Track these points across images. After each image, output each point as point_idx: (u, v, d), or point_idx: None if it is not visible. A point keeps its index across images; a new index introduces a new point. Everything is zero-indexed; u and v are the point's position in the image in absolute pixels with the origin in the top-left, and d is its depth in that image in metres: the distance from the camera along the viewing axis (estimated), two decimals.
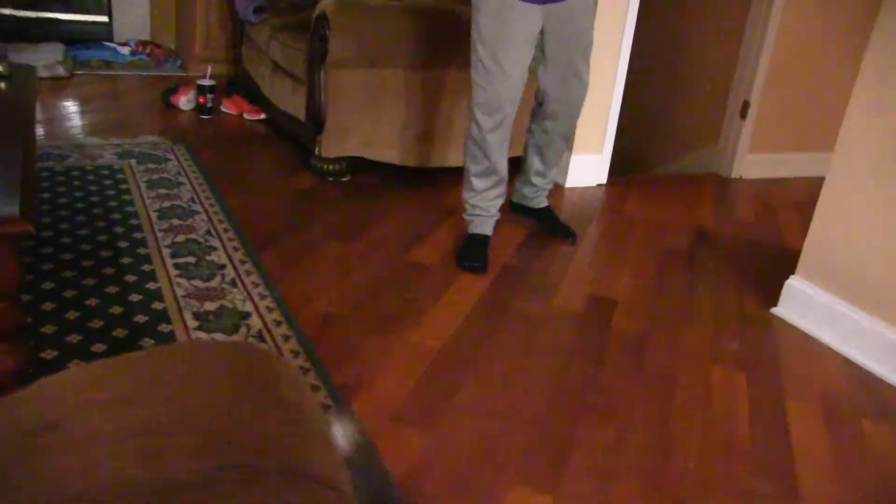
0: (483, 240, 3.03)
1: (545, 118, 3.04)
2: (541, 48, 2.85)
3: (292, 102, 3.87)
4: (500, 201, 3.04)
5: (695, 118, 4.87)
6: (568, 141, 3.18)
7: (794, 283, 2.86)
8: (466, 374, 2.25)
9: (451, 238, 3.13)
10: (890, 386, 2.52)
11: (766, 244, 3.61)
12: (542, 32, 2.80)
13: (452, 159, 3.77)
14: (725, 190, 4.40)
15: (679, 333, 2.65)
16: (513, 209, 3.36)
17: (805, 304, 2.80)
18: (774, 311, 2.89)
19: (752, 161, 4.60)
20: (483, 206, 3.01)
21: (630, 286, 2.95)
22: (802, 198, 4.26)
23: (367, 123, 3.56)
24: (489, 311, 2.62)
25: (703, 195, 4.23)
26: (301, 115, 3.71)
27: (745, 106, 4.48)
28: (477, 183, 2.96)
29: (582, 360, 2.41)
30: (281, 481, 0.84)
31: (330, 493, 0.88)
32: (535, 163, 3.19)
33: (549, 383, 2.26)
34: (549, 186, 3.31)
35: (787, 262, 3.00)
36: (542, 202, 3.33)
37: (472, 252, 2.95)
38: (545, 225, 3.34)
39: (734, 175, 4.59)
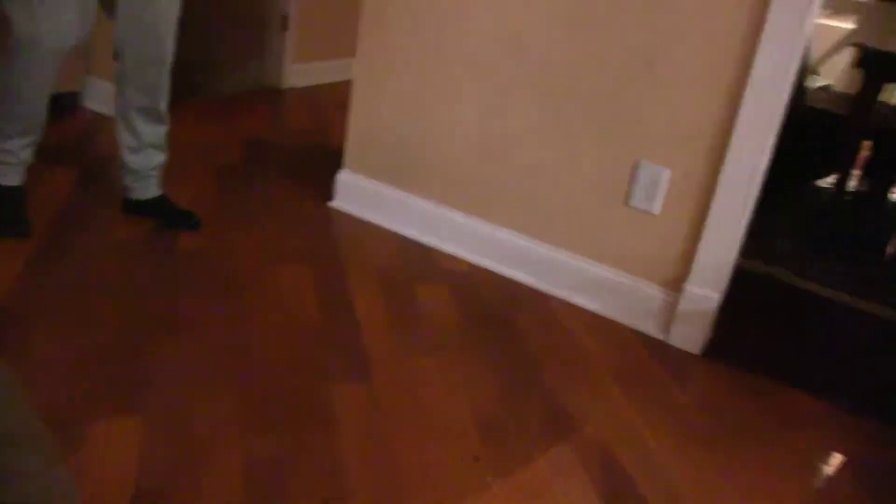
0: (11, 193, 2.63)
1: (127, 83, 2.64)
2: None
3: None
4: (31, 145, 2.60)
5: (239, 36, 4.94)
6: (158, 109, 2.72)
7: (343, 177, 3.12)
8: (35, 319, 2.18)
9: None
10: (438, 252, 2.89)
11: (318, 146, 3.85)
12: None
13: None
14: (276, 101, 4.57)
15: (243, 241, 2.78)
16: (127, 210, 2.86)
17: (356, 193, 3.08)
18: (331, 204, 3.14)
19: (299, 70, 4.83)
20: (14, 151, 2.58)
21: (192, 208, 2.98)
22: (346, 100, 4.56)
23: None
24: (50, 256, 2.52)
25: (254, 109, 4.37)
26: None
27: (285, 19, 4.66)
28: (4, 129, 2.55)
29: (152, 285, 2.44)
30: None
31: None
32: (128, 139, 2.75)
33: (123, 313, 2.27)
34: (156, 172, 2.83)
35: (337, 161, 3.23)
36: (151, 191, 2.85)
37: (6, 214, 2.59)
38: (162, 219, 2.83)
39: (284, 86, 4.78)
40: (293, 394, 2.02)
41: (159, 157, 2.81)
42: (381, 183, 3.02)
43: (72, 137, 3.48)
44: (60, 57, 2.45)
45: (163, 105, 2.71)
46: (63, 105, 3.80)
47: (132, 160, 2.76)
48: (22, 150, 2.59)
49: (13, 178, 2.62)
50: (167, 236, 2.75)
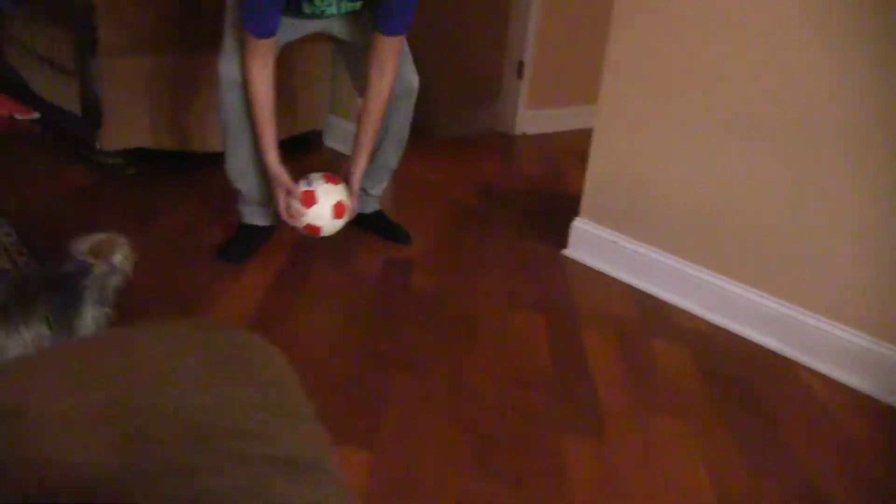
0: (250, 231, 2.89)
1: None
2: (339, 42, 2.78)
3: (65, 97, 3.68)
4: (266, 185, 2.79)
5: (475, 80, 5.02)
6: (401, 137, 2.97)
7: (578, 225, 3.04)
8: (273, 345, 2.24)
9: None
10: (674, 307, 2.75)
11: (552, 193, 3.80)
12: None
13: None
14: (509, 146, 4.59)
15: (476, 284, 2.77)
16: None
17: (591, 242, 3.00)
18: (564, 252, 3.07)
19: (533, 117, 4.83)
20: (246, 190, 2.83)
21: (424, 246, 3.03)
22: (581, 148, 4.50)
23: (146, 112, 3.45)
24: (289, 285, 2.62)
25: (488, 153, 4.40)
26: (76, 110, 3.55)
27: (521, 66, 4.68)
28: (232, 163, 2.77)
29: (385, 320, 2.47)
30: (264, 465, 0.80)
31: (317, 474, 0.85)
32: None
33: (355, 345, 2.31)
34: (378, 192, 3.10)
35: (571, 208, 3.17)
36: (371, 206, 3.12)
37: (232, 243, 2.83)
38: (377, 231, 3.10)
39: (517, 132, 4.79)
40: (522, 442, 1.95)
41: (386, 181, 3.07)
42: (618, 233, 2.92)
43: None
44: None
45: (408, 130, 2.96)
46: (309, 143, 3.98)
47: (366, 182, 2.95)
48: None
49: (265, 219, 2.90)
50: (401, 272, 2.78)
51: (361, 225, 3.07)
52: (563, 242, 3.11)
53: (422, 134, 4.54)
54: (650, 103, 2.75)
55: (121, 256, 2.03)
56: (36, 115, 4.21)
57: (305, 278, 2.68)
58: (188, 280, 2.60)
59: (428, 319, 2.50)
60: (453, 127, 4.81)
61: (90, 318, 1.98)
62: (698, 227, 2.70)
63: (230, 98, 2.60)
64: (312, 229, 2.59)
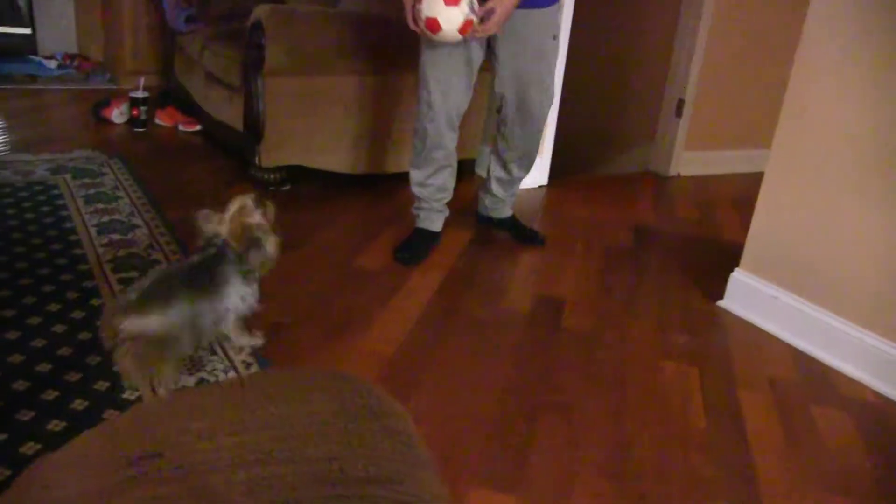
0: (423, 234, 3.10)
1: (503, 125, 3.05)
2: (494, 53, 2.87)
3: (228, 112, 3.81)
4: (443, 196, 3.08)
5: (631, 118, 4.93)
6: (528, 153, 3.12)
7: (738, 277, 2.90)
8: (420, 378, 2.23)
9: (394, 244, 3.10)
10: (836, 372, 2.57)
11: (707, 239, 3.66)
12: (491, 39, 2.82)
13: (390, 165, 3.76)
14: (664, 187, 4.46)
15: (628, 329, 2.67)
16: (480, 221, 3.40)
17: (750, 295, 2.85)
18: (720, 303, 2.93)
19: (689, 158, 4.68)
20: (425, 198, 3.06)
21: (577, 285, 2.96)
22: (739, 193, 4.34)
23: (305, 131, 3.52)
24: (439, 315, 2.60)
25: (642, 193, 4.29)
26: (238, 125, 3.65)
27: (680, 105, 4.55)
28: (415, 174, 3.04)
29: (534, 360, 2.41)
30: None
31: None
32: (496, 170, 3.21)
33: (504, 384, 2.26)
34: (512, 198, 3.31)
35: (728, 257, 3.04)
36: (505, 212, 3.34)
37: (407, 244, 3.05)
38: (512, 234, 3.34)
39: (672, 173, 4.66)
40: (670, 502, 1.85)
41: (517, 189, 3.30)
42: (780, 288, 2.77)
43: (468, 199, 3.59)
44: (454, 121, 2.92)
45: (535, 151, 3.12)
46: (462, 171, 3.97)
47: (499, 190, 3.25)
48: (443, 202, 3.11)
49: (436, 225, 3.13)
50: (552, 311, 2.71)
51: (497, 227, 3.35)
52: (718, 293, 2.97)
53: (575, 171, 4.49)
54: (831, 153, 2.59)
55: (257, 226, 2.03)
56: (198, 127, 4.37)
57: (455, 310, 2.65)
58: (341, 302, 2.61)
59: (577, 362, 2.42)
60: (607, 165, 4.73)
61: (237, 298, 2.00)
62: (870, 289, 2.52)
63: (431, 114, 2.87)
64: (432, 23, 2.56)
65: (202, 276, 1.95)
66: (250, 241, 2.01)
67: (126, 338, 1.73)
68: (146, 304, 1.78)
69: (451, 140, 2.95)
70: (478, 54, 2.83)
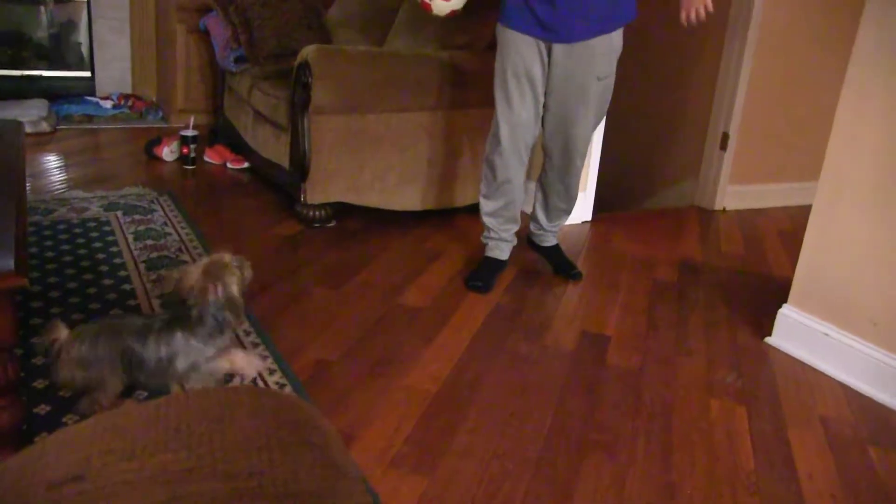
0: (492, 263, 3.20)
1: (545, 158, 3.14)
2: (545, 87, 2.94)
3: (275, 150, 3.86)
4: (511, 227, 3.19)
5: (675, 152, 4.90)
6: (567, 187, 3.16)
7: (787, 313, 2.86)
8: (463, 416, 2.22)
9: (438, 280, 3.12)
10: (891, 410, 2.51)
11: (754, 275, 3.61)
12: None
13: (435, 202, 3.78)
14: (710, 222, 4.41)
15: (674, 367, 2.64)
16: (528, 244, 3.45)
17: (799, 332, 2.80)
18: (768, 340, 2.89)
19: (734, 192, 4.63)
20: (494, 228, 3.17)
21: (622, 322, 2.94)
22: (786, 227, 4.30)
23: (351, 169, 3.56)
24: (482, 352, 2.60)
25: (688, 228, 4.25)
26: (285, 163, 3.71)
27: (725, 138, 4.52)
28: (485, 204, 3.15)
29: (579, 398, 2.39)
30: None
31: None
32: (539, 200, 3.28)
33: (548, 422, 2.24)
34: (555, 229, 3.34)
35: (776, 292, 3.00)
36: (548, 241, 3.37)
37: (478, 273, 3.14)
38: (551, 263, 3.39)
39: (717, 207, 4.62)
40: None
41: (563, 221, 3.33)
42: (830, 324, 2.72)
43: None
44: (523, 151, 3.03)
45: (577, 186, 3.18)
46: None
47: (544, 219, 3.29)
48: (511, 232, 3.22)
49: (504, 254, 3.23)
50: (597, 347, 2.69)
51: (539, 253, 3.41)
52: (766, 329, 2.92)
53: (620, 206, 4.47)
54: (882, 183, 2.55)
55: (232, 280, 2.07)
56: (245, 165, 4.44)
57: (499, 347, 2.65)
58: (385, 339, 2.62)
59: (622, 400, 2.40)
60: (652, 200, 4.71)
61: (187, 364, 2.05)
62: None
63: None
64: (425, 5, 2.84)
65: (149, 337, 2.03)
66: (223, 299, 2.04)
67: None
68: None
69: (518, 174, 3.06)
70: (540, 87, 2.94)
